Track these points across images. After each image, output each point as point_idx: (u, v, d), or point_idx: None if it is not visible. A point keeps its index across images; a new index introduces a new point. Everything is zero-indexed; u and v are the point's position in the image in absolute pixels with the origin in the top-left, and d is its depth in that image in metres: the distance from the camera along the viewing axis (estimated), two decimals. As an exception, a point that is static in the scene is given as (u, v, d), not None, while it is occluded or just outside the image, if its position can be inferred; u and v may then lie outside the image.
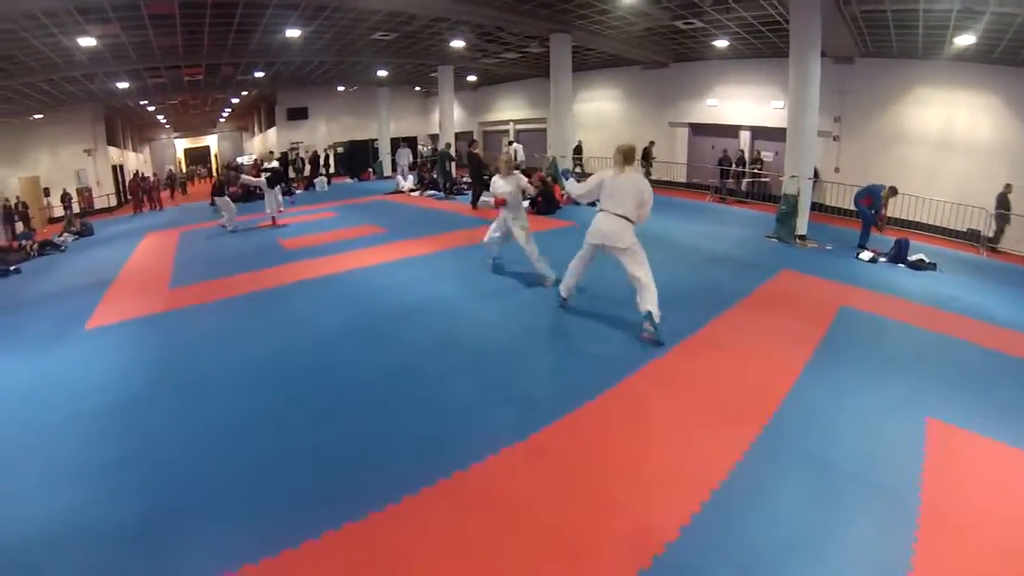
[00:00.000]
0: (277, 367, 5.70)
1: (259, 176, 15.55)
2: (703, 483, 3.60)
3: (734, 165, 18.40)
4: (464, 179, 19.29)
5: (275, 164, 16.14)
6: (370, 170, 27.96)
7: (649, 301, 5.80)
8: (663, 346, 5.76)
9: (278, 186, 14.95)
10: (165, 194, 28.39)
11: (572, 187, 6.76)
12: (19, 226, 18.20)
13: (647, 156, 20.02)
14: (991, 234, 13.09)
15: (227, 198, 14.74)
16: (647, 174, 19.63)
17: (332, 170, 28.75)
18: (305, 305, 7.73)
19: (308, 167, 26.66)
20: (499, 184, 7.92)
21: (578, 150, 22.41)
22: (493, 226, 8.28)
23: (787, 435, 4.20)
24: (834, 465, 3.85)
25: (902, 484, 3.66)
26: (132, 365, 6.02)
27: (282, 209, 15.75)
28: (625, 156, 5.96)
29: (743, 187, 18.16)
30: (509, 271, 8.71)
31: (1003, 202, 12.83)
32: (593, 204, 6.48)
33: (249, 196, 21.20)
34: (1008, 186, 12.75)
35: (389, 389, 5.11)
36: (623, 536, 3.19)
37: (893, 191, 11.48)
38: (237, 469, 3.94)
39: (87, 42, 13.35)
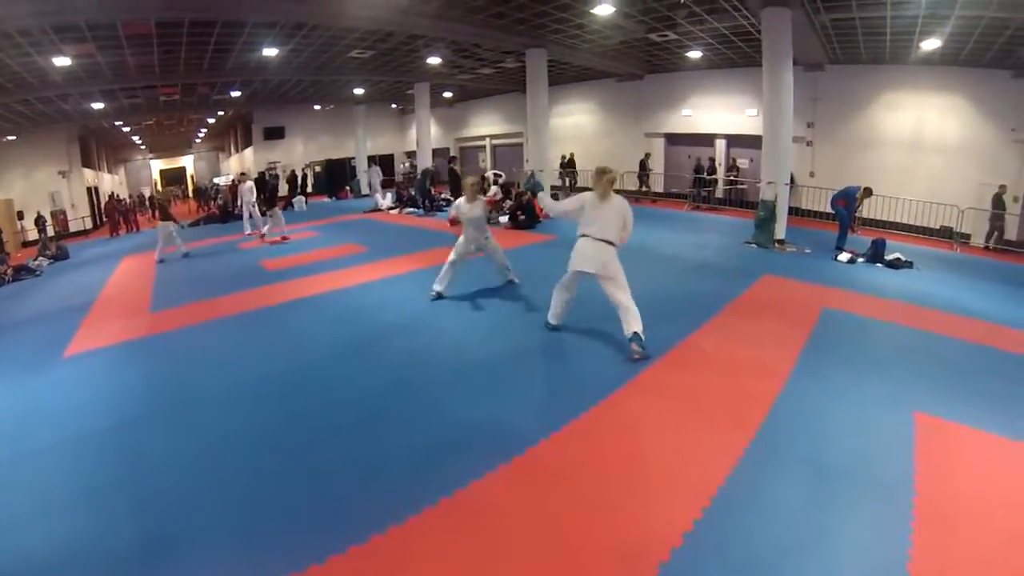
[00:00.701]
0: (267, 388, 5.66)
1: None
2: (703, 489, 3.64)
3: (705, 173, 18.68)
4: (443, 196, 19.33)
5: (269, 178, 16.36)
6: (348, 188, 27.93)
7: (634, 323, 5.80)
8: (652, 358, 5.79)
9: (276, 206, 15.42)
10: (142, 216, 28.10)
11: (551, 205, 6.60)
12: (-8, 251, 17.85)
13: (643, 167, 20.32)
14: (988, 235, 13.37)
15: (169, 223, 14.05)
16: (644, 187, 19.89)
17: (310, 189, 28.69)
18: (292, 325, 7.69)
19: (286, 186, 26.56)
20: (464, 208, 7.92)
21: (570, 163, 22.53)
22: (455, 253, 8.13)
23: (780, 437, 4.27)
24: (828, 464, 3.92)
25: (895, 478, 3.74)
26: (117, 390, 5.94)
27: (261, 231, 15.72)
28: (610, 182, 5.96)
29: (719, 194, 18.43)
30: (490, 288, 8.71)
31: (998, 202, 13.10)
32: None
33: (227, 217, 21.11)
34: (1003, 187, 13.03)
35: (383, 406, 5.10)
36: (628, 545, 3.22)
37: (868, 192, 11.72)
38: (232, 491, 3.90)
39: (62, 62, 13.20)
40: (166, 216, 14.14)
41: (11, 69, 13.35)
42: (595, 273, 5.94)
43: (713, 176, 18.66)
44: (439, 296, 8.21)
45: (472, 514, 3.53)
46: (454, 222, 8.13)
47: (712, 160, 19.08)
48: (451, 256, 8.14)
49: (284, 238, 15.11)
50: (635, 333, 5.75)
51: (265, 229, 15.39)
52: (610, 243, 5.91)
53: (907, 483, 3.69)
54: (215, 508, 3.73)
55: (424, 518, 3.49)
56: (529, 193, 14.77)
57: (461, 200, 8.06)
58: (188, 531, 3.50)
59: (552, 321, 6.72)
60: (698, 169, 18.93)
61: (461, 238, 8.14)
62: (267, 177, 17.87)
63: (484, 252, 8.33)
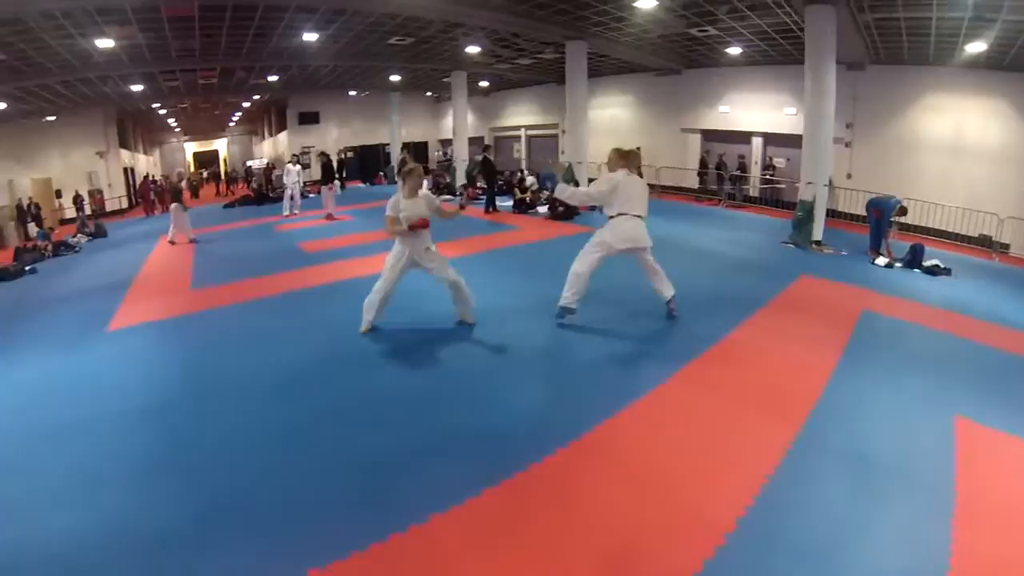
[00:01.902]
0: (310, 370, 5.72)
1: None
2: (753, 477, 3.69)
3: (733, 171, 18.65)
4: (479, 185, 19.42)
5: (331, 159, 17.11)
6: (382, 174, 28.13)
7: (667, 285, 6.54)
8: (696, 352, 5.86)
9: (331, 183, 16.54)
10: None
11: (574, 192, 6.69)
12: (32, 227, 18.30)
13: (705, 164, 20.28)
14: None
15: (180, 205, 14.50)
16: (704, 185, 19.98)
17: (345, 174, 29.00)
18: (333, 309, 7.75)
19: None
20: (402, 204, 6.16)
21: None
22: (389, 267, 6.36)
23: (825, 432, 4.30)
24: (871, 460, 3.94)
25: (936, 479, 3.75)
26: (159, 366, 6.05)
27: (296, 212, 16.26)
28: (632, 160, 6.42)
29: (754, 192, 18.33)
30: (529, 278, 8.72)
31: None
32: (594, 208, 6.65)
33: (263, 199, 21.42)
34: None
35: (433, 392, 5.17)
36: (686, 528, 3.28)
37: (903, 211, 11.28)
38: (274, 475, 3.91)
39: (104, 43, 13.46)
40: (177, 199, 14.62)
41: (53, 50, 13.60)
42: (637, 247, 6.25)
43: (740, 173, 18.50)
44: (371, 329, 6.59)
45: (533, 494, 3.61)
46: (421, 225, 6.17)
47: (742, 158, 18.92)
48: (377, 284, 6.43)
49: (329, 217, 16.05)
50: (672, 296, 6.60)
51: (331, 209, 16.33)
52: (642, 217, 6.28)
53: (948, 484, 3.69)
54: (251, 489, 3.75)
55: (484, 498, 3.55)
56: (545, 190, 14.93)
57: (398, 194, 6.22)
58: (224, 511, 3.52)
59: (572, 304, 6.52)
60: (719, 166, 18.91)
61: (394, 249, 6.39)
62: (328, 159, 18.66)
63: (425, 270, 6.36)
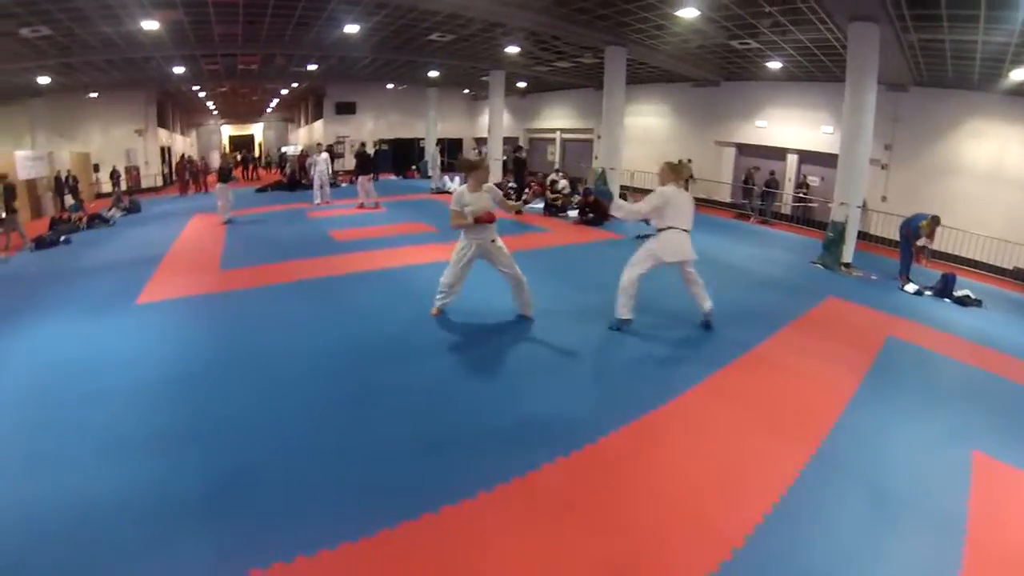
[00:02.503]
0: (337, 356, 5.83)
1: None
2: (765, 495, 3.69)
3: (761, 187, 18.44)
4: (510, 184, 19.45)
5: (368, 151, 17.40)
6: (415, 168, 28.31)
7: (706, 297, 6.77)
8: (720, 364, 5.89)
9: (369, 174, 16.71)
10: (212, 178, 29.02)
11: (629, 207, 6.79)
12: (68, 199, 18.72)
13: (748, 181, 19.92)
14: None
15: (227, 186, 14.79)
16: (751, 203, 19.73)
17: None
18: (363, 297, 7.87)
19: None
20: (467, 198, 6.30)
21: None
22: (455, 260, 6.64)
23: (841, 455, 4.27)
24: (885, 487, 3.91)
25: (950, 512, 3.70)
26: (184, 341, 6.22)
27: (328, 201, 16.50)
28: (683, 173, 6.61)
29: (786, 210, 18.15)
30: (561, 278, 8.74)
31: None
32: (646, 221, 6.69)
33: (295, 186, 21.68)
34: None
35: (457, 387, 5.22)
36: (692, 540, 3.29)
37: (935, 221, 10.84)
38: (289, 453, 4.03)
39: (150, 25, 13.69)
40: (226, 178, 14.91)
41: (100, 29, 13.89)
42: (684, 260, 6.48)
43: (771, 190, 18.31)
44: (441, 312, 6.95)
45: (542, 497, 3.63)
46: (478, 220, 6.30)
47: (772, 174, 18.69)
48: (445, 272, 6.77)
49: (368, 205, 16.29)
50: (710, 308, 6.82)
51: (364, 199, 16.48)
52: (688, 231, 6.42)
53: (960, 518, 3.65)
54: (271, 467, 3.85)
55: (497, 493, 3.61)
56: (592, 196, 14.90)
57: (463, 188, 6.42)
58: (245, 487, 3.63)
59: (626, 315, 6.65)
60: (747, 179, 18.74)
61: (459, 242, 6.61)
62: (366, 150, 18.94)
63: (492, 263, 6.62)
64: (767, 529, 3.36)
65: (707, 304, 6.78)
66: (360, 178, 16.81)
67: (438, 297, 6.89)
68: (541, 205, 16.52)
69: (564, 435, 4.35)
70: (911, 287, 10.27)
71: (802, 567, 3.11)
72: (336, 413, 4.66)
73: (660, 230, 6.42)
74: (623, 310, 6.64)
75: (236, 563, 2.97)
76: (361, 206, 16.11)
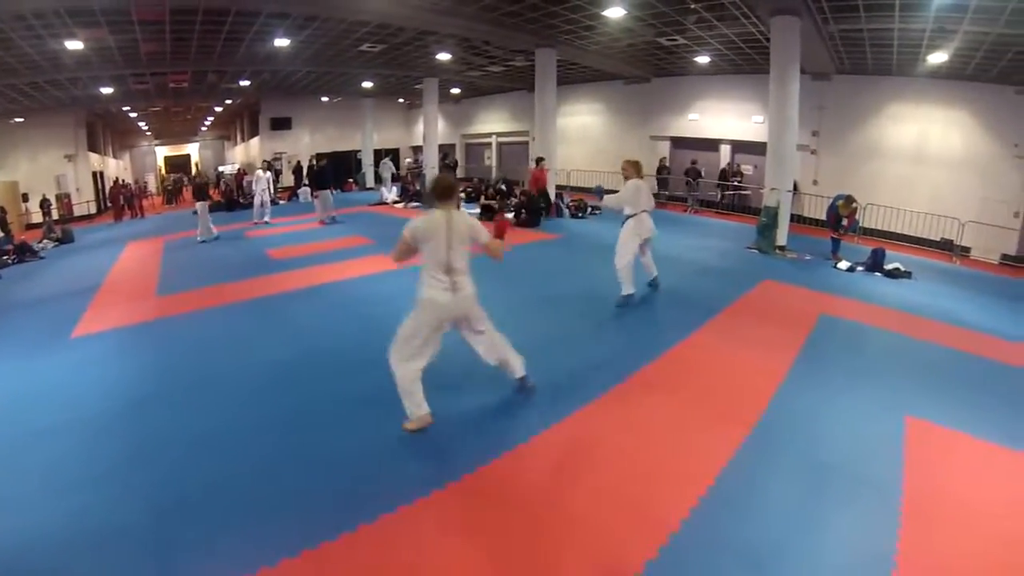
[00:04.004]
0: (273, 375, 5.75)
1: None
2: (699, 480, 3.77)
3: (688, 177, 19.19)
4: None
5: (322, 163, 17.10)
6: (353, 181, 28.04)
7: (654, 267, 8.21)
8: (653, 355, 5.99)
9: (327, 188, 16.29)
10: (147, 202, 28.22)
11: (613, 200, 7.70)
12: (-4, 232, 17.98)
13: (661, 172, 20.53)
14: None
15: (206, 204, 14.64)
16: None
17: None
18: (298, 314, 7.77)
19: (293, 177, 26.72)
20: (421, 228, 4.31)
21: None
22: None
23: (775, 434, 4.39)
24: (820, 461, 4.04)
25: (885, 478, 3.86)
26: (124, 372, 6.04)
27: (267, 220, 16.20)
28: (641, 168, 7.76)
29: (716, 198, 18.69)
30: (496, 281, 8.77)
31: None
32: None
33: (232, 205, 21.25)
34: None
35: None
36: (628, 530, 3.34)
37: (849, 200, 11.31)
38: (239, 472, 4.01)
39: (74, 45, 13.33)
40: (203, 196, 14.77)
41: (23, 51, 13.44)
42: (650, 237, 7.71)
43: (730, 181, 18.74)
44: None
45: (479, 496, 3.67)
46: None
47: (695, 163, 19.47)
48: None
49: (333, 219, 16.04)
50: (656, 275, 8.24)
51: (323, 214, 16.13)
52: (650, 213, 7.67)
53: (896, 482, 3.80)
54: (222, 488, 3.82)
55: (432, 498, 3.63)
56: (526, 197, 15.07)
57: (419, 220, 4.29)
58: (196, 509, 3.60)
59: (631, 290, 7.60)
60: (689, 172, 19.28)
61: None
62: (314, 164, 18.68)
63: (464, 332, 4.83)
64: (702, 512, 3.44)
65: (654, 271, 8.21)
66: (319, 192, 16.39)
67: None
68: (477, 210, 16.55)
69: (497, 436, 4.38)
70: (843, 264, 10.66)
71: (739, 544, 3.20)
72: (278, 428, 4.62)
73: (630, 216, 7.51)
74: (628, 286, 7.57)
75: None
76: (322, 222, 15.77)
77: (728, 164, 19.12)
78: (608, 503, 3.58)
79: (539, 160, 16.41)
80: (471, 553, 3.17)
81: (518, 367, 4.89)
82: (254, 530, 3.37)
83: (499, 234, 4.71)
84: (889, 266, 10.45)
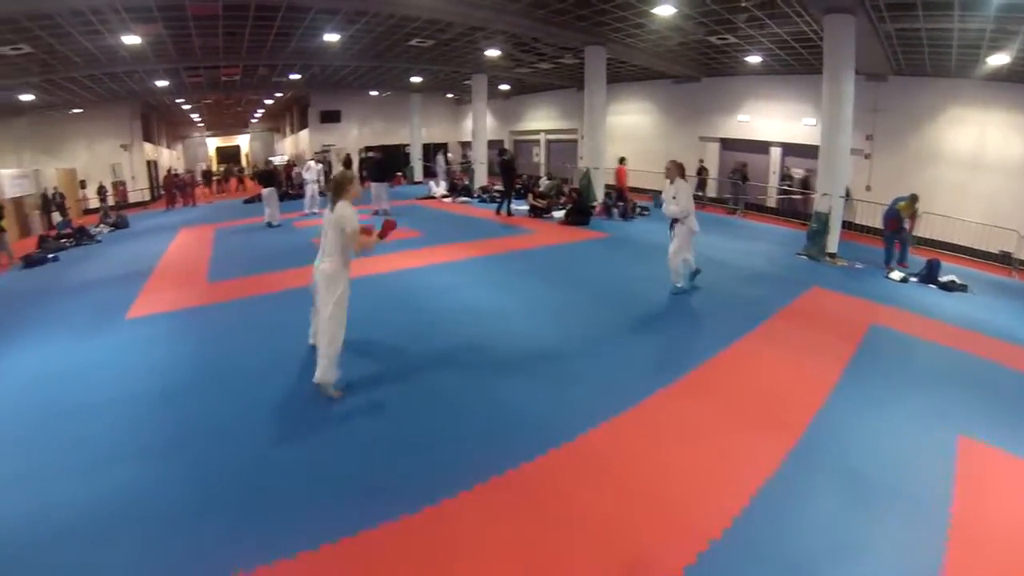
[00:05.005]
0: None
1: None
2: (743, 488, 3.71)
3: (735, 179, 18.82)
4: (496, 187, 19.50)
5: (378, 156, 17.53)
6: (401, 174, 28.30)
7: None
8: (700, 359, 5.92)
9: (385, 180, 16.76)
10: (200, 190, 28.94)
11: (678, 208, 7.90)
12: (55, 216, 18.70)
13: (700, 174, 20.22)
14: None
15: (274, 191, 15.45)
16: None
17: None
18: (351, 303, 7.82)
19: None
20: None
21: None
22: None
23: (822, 445, 4.29)
24: (867, 476, 3.93)
25: (933, 498, 3.73)
26: (174, 355, 6.24)
27: (316, 211, 16.48)
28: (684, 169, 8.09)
29: (771, 203, 18.30)
30: (543, 279, 8.79)
31: None
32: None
33: (281, 196, 21.63)
34: None
35: (439, 387, 5.28)
36: (669, 534, 3.31)
37: (914, 199, 10.97)
38: (282, 459, 4.10)
39: (130, 40, 13.71)
40: (270, 184, 15.73)
41: (81, 45, 13.86)
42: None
43: (744, 182, 18.53)
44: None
45: (522, 493, 3.68)
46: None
47: (745, 166, 19.06)
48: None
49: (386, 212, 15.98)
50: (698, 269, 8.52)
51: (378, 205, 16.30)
52: None
53: (944, 504, 3.67)
54: (260, 472, 3.93)
55: (475, 493, 3.65)
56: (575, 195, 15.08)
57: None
58: (231, 493, 3.70)
59: (683, 284, 8.18)
60: (734, 173, 18.98)
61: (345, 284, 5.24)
62: (367, 156, 18.96)
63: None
64: (745, 521, 3.38)
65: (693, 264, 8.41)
66: (376, 184, 16.53)
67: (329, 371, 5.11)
68: (526, 207, 16.54)
69: (544, 432, 4.39)
70: (896, 274, 10.35)
71: (779, 556, 3.13)
72: (319, 418, 4.69)
73: (685, 217, 7.89)
74: (680, 280, 8.14)
75: (222, 565, 3.02)
76: (376, 212, 15.96)
77: (743, 165, 18.90)
78: (650, 506, 3.55)
79: (622, 159, 16.70)
80: (509, 548, 3.18)
81: (318, 372, 4.97)
82: (294, 514, 3.45)
83: (383, 232, 5.20)
84: (944, 278, 10.09)
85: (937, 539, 3.33)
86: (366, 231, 5.10)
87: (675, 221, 8.05)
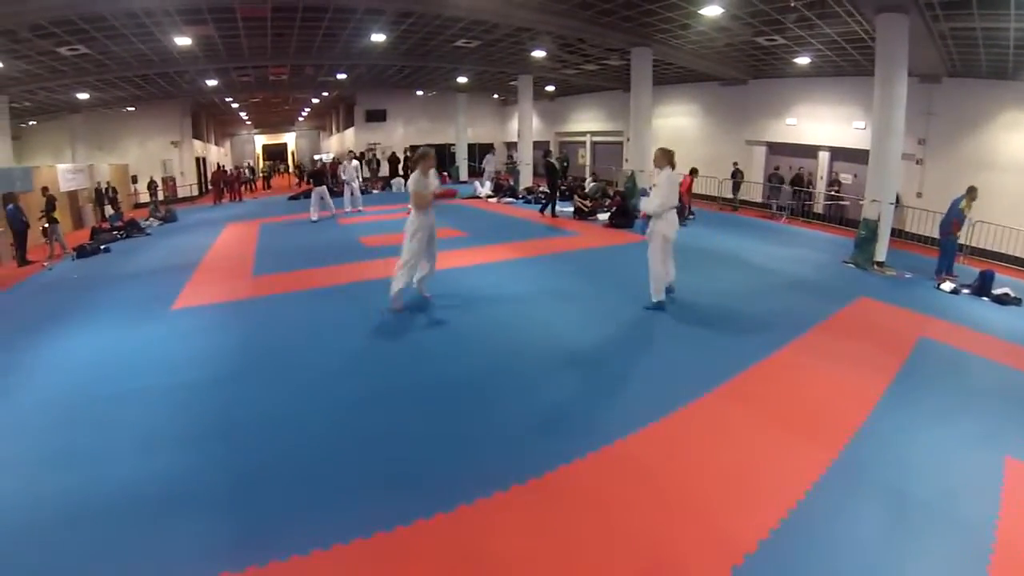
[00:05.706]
0: (365, 358, 6.02)
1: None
2: (782, 500, 3.64)
3: (803, 185, 18.32)
4: (541, 188, 19.51)
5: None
6: (445, 174, 28.52)
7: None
8: (743, 367, 5.84)
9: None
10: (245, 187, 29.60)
11: (656, 204, 7.24)
12: (107, 209, 19.41)
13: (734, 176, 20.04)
14: None
15: (324, 188, 16.11)
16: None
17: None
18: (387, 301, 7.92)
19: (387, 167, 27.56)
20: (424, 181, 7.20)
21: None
22: (411, 235, 7.22)
23: (864, 460, 4.18)
24: (908, 495, 3.81)
25: (977, 521, 3.59)
26: (218, 345, 6.44)
27: (358, 208, 16.79)
28: (673, 158, 7.41)
29: (818, 209, 17.94)
30: (583, 278, 8.77)
31: None
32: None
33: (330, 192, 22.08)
34: None
35: (479, 385, 5.34)
36: (705, 545, 3.26)
37: (972, 193, 10.74)
38: (319, 449, 4.21)
39: (182, 41, 14.18)
40: (320, 182, 16.51)
41: (134, 46, 14.35)
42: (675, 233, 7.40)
43: (795, 187, 18.09)
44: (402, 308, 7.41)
45: (558, 497, 3.67)
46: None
47: (801, 170, 18.63)
48: (405, 250, 7.28)
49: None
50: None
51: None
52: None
53: (988, 527, 3.53)
54: (293, 464, 4.02)
55: (512, 493, 3.66)
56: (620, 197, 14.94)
57: (417, 174, 7.19)
58: (267, 482, 3.80)
59: (661, 297, 7.42)
60: (772, 178, 18.72)
61: (412, 221, 7.24)
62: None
63: (429, 244, 7.50)
64: (782, 535, 3.31)
65: (673, 275, 7.70)
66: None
67: (398, 281, 7.24)
68: (571, 209, 16.50)
69: (581, 436, 4.38)
70: (947, 285, 10.01)
71: (816, 573, 3.07)
72: (358, 413, 4.80)
73: (660, 216, 7.19)
74: (659, 293, 7.40)
75: (258, 553, 3.09)
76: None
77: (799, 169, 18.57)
78: (687, 516, 3.51)
79: (693, 171, 16.63)
80: (540, 551, 3.18)
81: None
82: (330, 509, 3.50)
83: (443, 195, 7.97)
84: (998, 291, 9.69)
85: (979, 563, 3.21)
86: (443, 194, 7.87)
87: (651, 219, 7.44)
